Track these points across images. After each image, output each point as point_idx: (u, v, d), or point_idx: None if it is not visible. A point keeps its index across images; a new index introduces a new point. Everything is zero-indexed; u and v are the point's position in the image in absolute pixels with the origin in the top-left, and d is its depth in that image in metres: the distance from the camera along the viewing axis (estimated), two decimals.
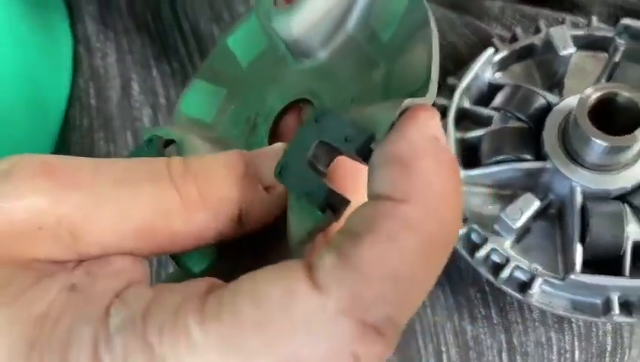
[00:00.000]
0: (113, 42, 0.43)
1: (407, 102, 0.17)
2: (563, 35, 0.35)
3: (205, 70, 0.27)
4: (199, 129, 0.25)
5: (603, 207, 0.32)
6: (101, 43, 0.43)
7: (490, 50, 0.36)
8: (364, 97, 0.22)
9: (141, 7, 0.44)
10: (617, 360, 0.37)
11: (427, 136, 0.16)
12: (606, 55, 0.38)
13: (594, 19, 0.38)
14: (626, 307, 0.31)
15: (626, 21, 0.36)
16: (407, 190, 0.15)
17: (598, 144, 0.31)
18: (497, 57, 0.37)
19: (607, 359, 0.36)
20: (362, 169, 0.17)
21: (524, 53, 0.38)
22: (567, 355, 0.36)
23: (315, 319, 0.14)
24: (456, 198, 0.16)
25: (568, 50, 0.35)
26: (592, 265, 0.32)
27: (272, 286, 0.15)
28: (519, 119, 0.35)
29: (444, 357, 0.36)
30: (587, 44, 0.38)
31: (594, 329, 0.36)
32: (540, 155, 0.34)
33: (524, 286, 0.32)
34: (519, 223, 0.31)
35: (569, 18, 0.39)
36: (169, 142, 0.24)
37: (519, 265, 0.32)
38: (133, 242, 0.17)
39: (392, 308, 0.15)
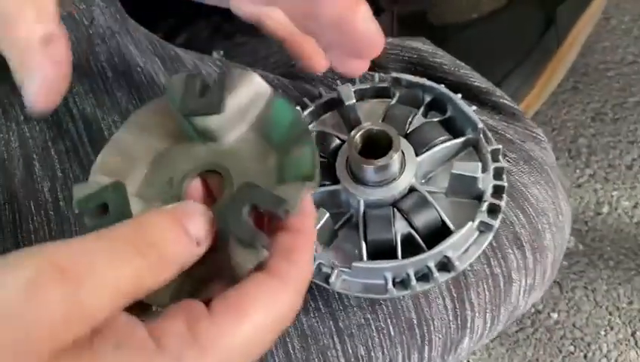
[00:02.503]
0: (15, 131, 0.54)
1: (309, 184, 0.29)
2: (348, 91, 0.48)
3: (116, 141, 0.34)
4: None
5: (377, 212, 0.43)
6: (4, 133, 0.53)
7: (297, 108, 0.48)
8: (263, 177, 0.31)
9: None
10: (425, 330, 0.47)
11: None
12: (390, 100, 0.50)
13: (376, 75, 0.50)
14: (402, 283, 0.42)
15: (394, 74, 0.49)
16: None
17: (367, 168, 0.42)
18: (307, 111, 0.49)
19: (416, 331, 0.46)
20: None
21: (329, 106, 0.50)
22: (384, 331, 0.46)
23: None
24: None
25: (351, 101, 0.47)
26: (377, 255, 0.43)
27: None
28: (322, 156, 0.47)
29: (289, 345, 0.45)
30: (374, 94, 0.50)
31: (399, 307, 0.46)
32: (335, 180, 0.45)
33: (329, 277, 0.43)
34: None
35: (359, 76, 0.51)
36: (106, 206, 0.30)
37: (322, 262, 0.42)
38: (127, 301, 0.23)
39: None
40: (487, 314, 0.48)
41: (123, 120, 0.47)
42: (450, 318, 0.47)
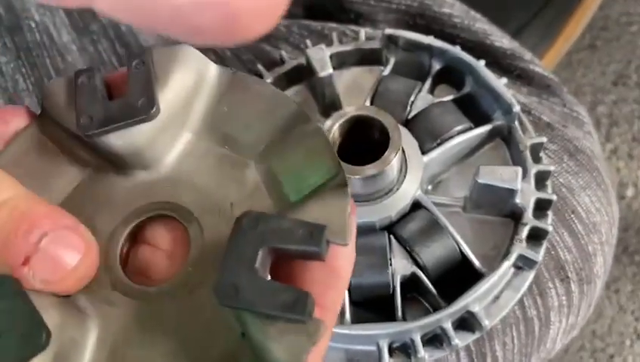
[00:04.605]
0: None
1: (344, 191, 0.19)
2: (321, 55, 0.33)
3: None
4: None
5: (365, 242, 0.29)
6: None
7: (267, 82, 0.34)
8: (247, 199, 0.21)
9: None
10: None
11: None
12: (382, 68, 0.35)
13: (362, 32, 0.36)
14: (403, 349, 0.29)
15: (388, 31, 0.34)
16: None
17: (351, 178, 0.28)
18: None
19: None
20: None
21: (295, 76, 0.36)
22: None
23: None
24: None
25: (326, 71, 0.33)
26: (367, 304, 0.29)
27: None
28: None
29: None
30: (359, 59, 0.36)
31: None
32: None
33: None
34: None
35: (337, 32, 0.37)
36: None
37: None
38: None
39: None
40: None
41: (10, 97, 0.39)
42: None
